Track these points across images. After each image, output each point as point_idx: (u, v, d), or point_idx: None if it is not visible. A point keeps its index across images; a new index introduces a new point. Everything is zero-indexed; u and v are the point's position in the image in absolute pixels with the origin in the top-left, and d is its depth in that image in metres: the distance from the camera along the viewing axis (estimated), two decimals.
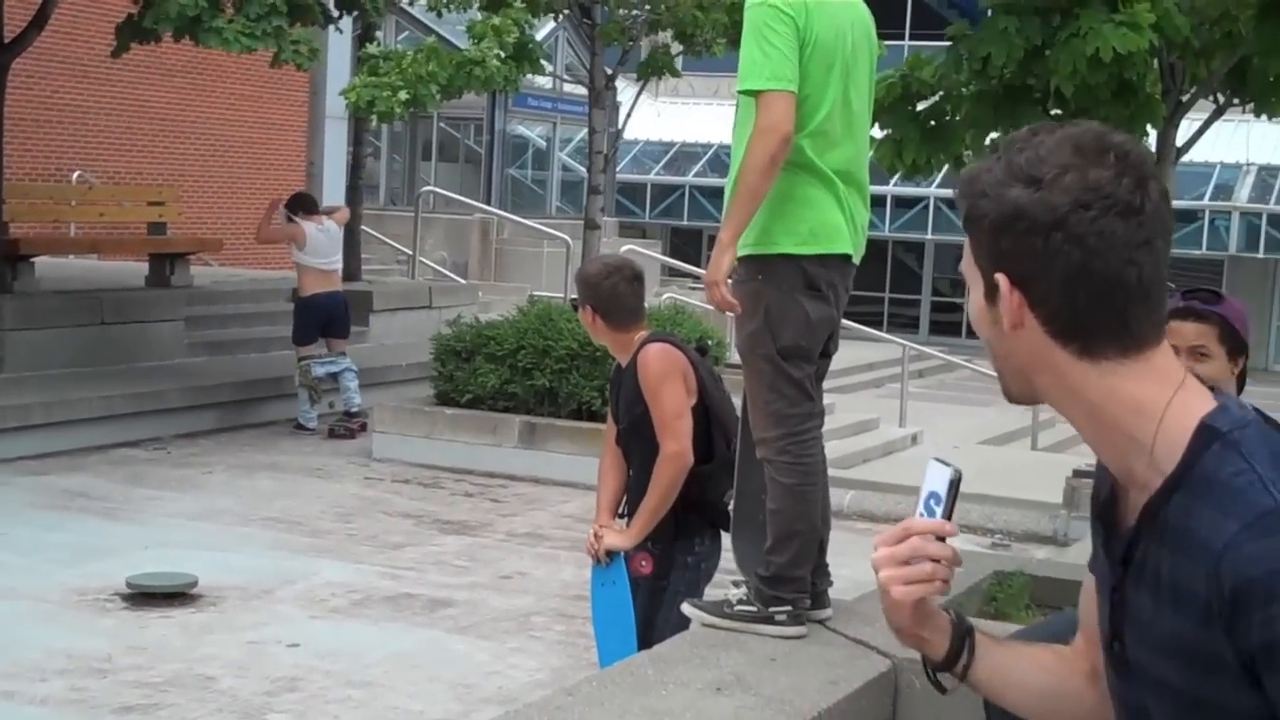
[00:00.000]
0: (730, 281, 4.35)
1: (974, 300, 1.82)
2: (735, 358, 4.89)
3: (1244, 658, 1.62)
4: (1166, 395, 1.73)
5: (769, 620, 4.27)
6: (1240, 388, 3.92)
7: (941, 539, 1.92)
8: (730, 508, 4.77)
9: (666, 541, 4.95)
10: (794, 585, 4.30)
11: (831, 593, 4.69)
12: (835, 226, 4.33)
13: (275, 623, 7.56)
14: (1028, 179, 1.72)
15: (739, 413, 4.72)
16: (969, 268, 1.83)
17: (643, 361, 4.89)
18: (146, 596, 7.77)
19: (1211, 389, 1.78)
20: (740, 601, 4.32)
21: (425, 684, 6.74)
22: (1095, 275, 1.70)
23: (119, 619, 7.52)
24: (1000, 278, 1.75)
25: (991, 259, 1.77)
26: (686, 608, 4.43)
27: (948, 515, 1.90)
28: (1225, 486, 1.65)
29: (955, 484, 1.90)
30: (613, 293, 4.95)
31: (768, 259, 4.25)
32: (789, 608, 4.28)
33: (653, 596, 4.95)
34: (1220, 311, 3.93)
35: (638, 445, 5.01)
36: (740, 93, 4.23)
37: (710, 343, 5.50)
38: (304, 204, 13.41)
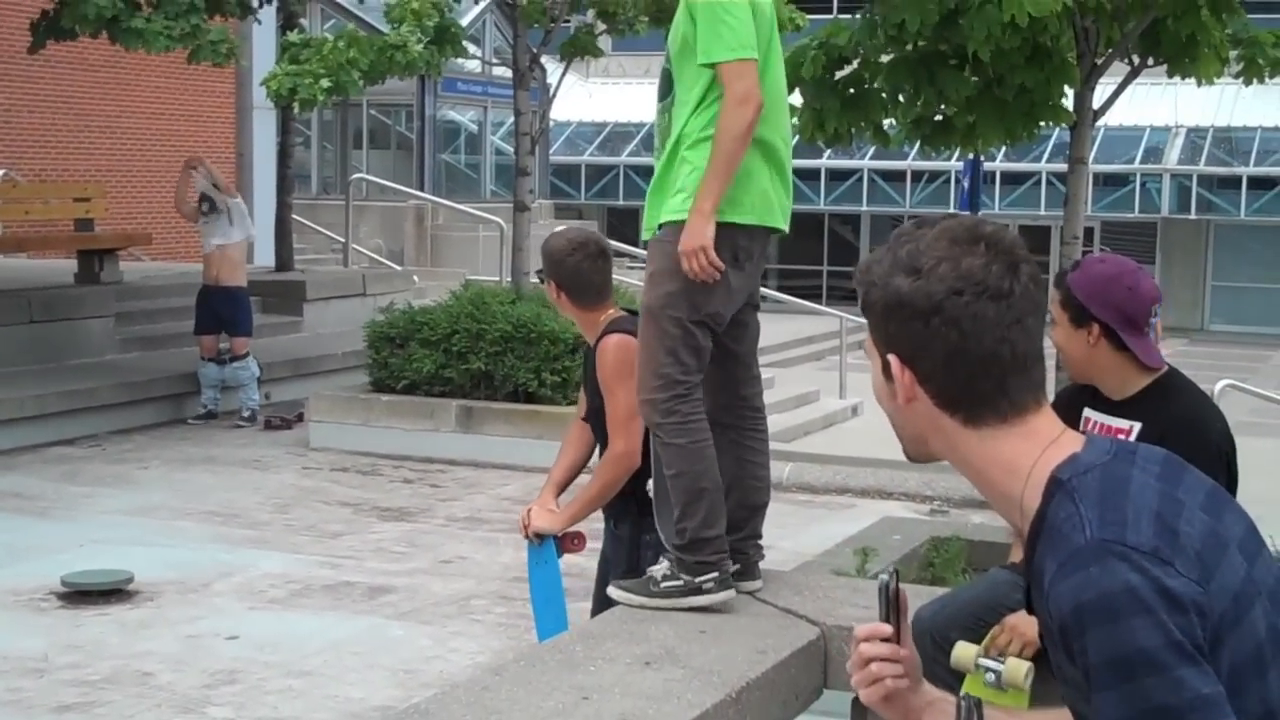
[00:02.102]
0: (656, 236, 4.36)
1: (875, 375, 2.00)
2: None
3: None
4: (1035, 454, 1.89)
5: (698, 591, 4.27)
6: (1141, 357, 3.89)
7: (886, 640, 2.05)
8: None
9: (632, 525, 4.75)
10: (713, 546, 4.28)
11: (771, 563, 4.70)
12: (771, 200, 4.37)
13: (213, 616, 7.52)
14: (909, 269, 1.91)
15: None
16: (869, 347, 2.01)
17: (600, 352, 4.70)
18: (82, 594, 7.71)
19: (1086, 436, 1.93)
20: (665, 577, 4.31)
21: (366, 671, 6.73)
22: (972, 354, 1.88)
23: (55, 618, 7.46)
24: (892, 358, 1.95)
25: (884, 341, 1.97)
26: (612, 590, 4.40)
27: (884, 618, 2.04)
28: (1056, 530, 1.81)
29: (883, 589, 2.05)
30: (576, 270, 4.74)
31: (720, 225, 4.25)
32: (715, 573, 4.27)
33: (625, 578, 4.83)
34: (1070, 277, 3.93)
35: (600, 431, 4.85)
36: (702, 65, 4.23)
37: None
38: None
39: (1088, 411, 3.98)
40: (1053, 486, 1.84)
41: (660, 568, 4.33)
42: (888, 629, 2.04)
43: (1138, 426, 3.84)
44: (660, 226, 4.34)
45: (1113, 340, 3.84)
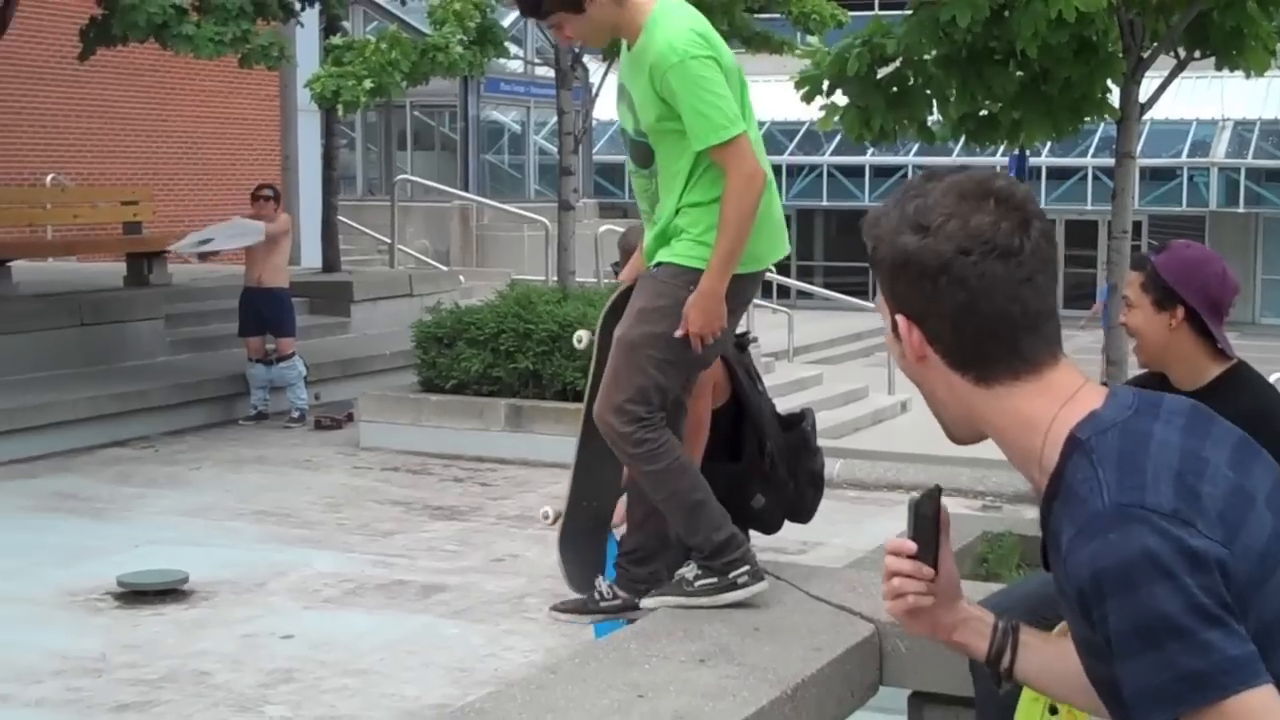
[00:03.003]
0: (652, 273, 4.33)
1: (887, 334, 1.97)
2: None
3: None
4: (1053, 410, 1.85)
5: (733, 586, 4.29)
6: (1215, 341, 3.91)
7: (913, 557, 2.06)
8: (758, 507, 4.81)
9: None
10: (731, 544, 4.30)
11: (823, 560, 4.71)
12: (773, 236, 4.39)
13: (268, 615, 7.58)
14: (916, 226, 1.86)
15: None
16: (880, 304, 1.98)
17: None
18: (138, 594, 7.78)
19: (1108, 389, 1.89)
20: (698, 577, 4.31)
21: (420, 670, 6.77)
22: (981, 313, 1.84)
23: (112, 618, 7.53)
24: (900, 317, 1.91)
25: (892, 300, 1.93)
26: (647, 601, 4.41)
27: (911, 535, 2.05)
28: (1073, 493, 1.77)
29: (912, 506, 2.06)
30: None
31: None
32: (745, 567, 4.29)
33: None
34: (1155, 259, 3.95)
35: None
36: (700, 151, 4.17)
37: (751, 336, 5.39)
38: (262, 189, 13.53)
39: None
40: (1070, 446, 1.80)
41: (689, 569, 4.34)
42: (912, 546, 2.04)
43: None
44: (658, 264, 4.32)
45: (1194, 325, 3.86)
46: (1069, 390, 1.87)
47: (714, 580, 4.29)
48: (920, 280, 1.86)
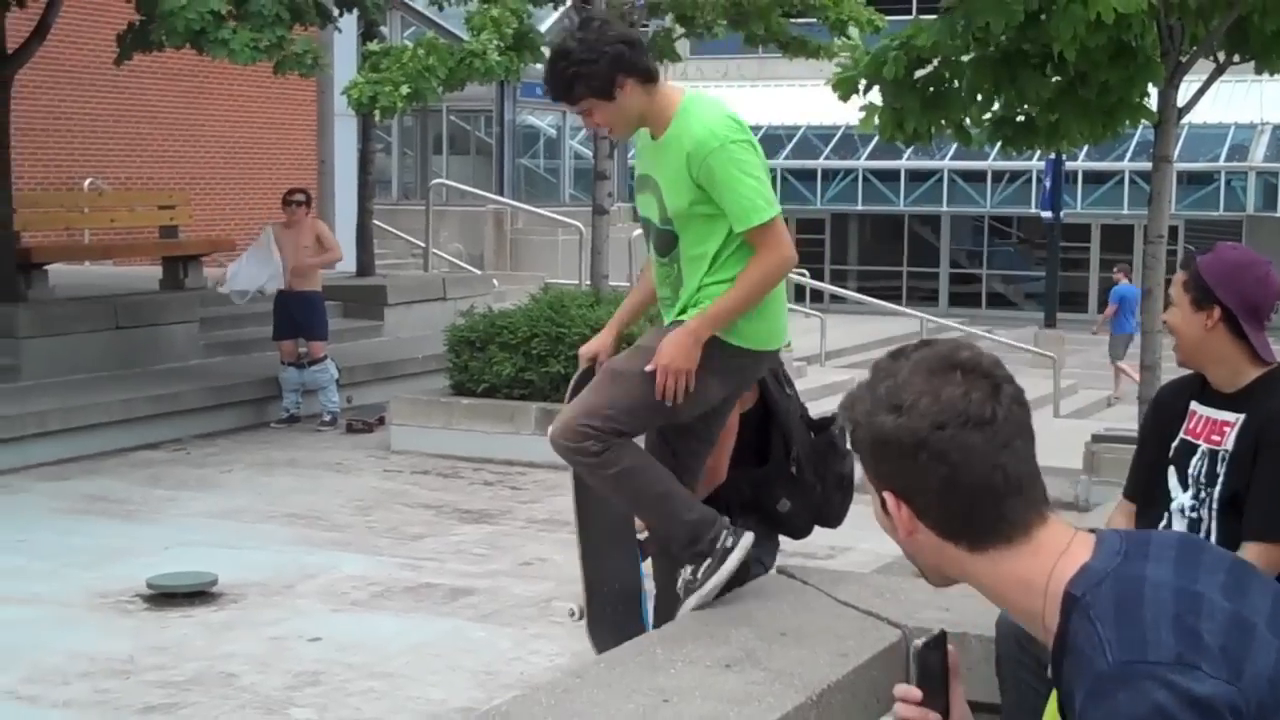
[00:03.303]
0: (666, 326, 4.34)
1: (875, 510, 2.00)
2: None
3: None
4: (1048, 568, 1.88)
5: (727, 551, 4.27)
6: (1257, 348, 3.87)
7: (919, 703, 2.06)
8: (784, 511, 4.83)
9: None
10: (705, 520, 4.31)
11: (851, 565, 4.68)
12: (779, 329, 4.45)
13: (296, 618, 7.58)
14: (890, 407, 1.91)
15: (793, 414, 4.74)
16: (866, 482, 2.01)
17: None
18: (167, 596, 7.80)
19: (1096, 535, 1.91)
20: (695, 569, 4.29)
21: (447, 673, 6.76)
22: (964, 485, 1.87)
23: (140, 620, 7.55)
24: (887, 495, 1.95)
25: (877, 478, 1.96)
26: (666, 626, 4.39)
27: (916, 682, 2.06)
28: (1079, 653, 1.80)
29: (915, 653, 2.08)
30: None
31: (726, 346, 4.27)
32: (725, 532, 4.29)
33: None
34: (1201, 259, 3.93)
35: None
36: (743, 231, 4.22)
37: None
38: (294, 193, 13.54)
39: (1194, 405, 3.98)
40: (1068, 604, 1.83)
41: (685, 571, 4.32)
42: (918, 693, 2.05)
43: (1241, 419, 3.84)
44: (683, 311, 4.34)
45: (1231, 327, 3.84)
46: (1060, 546, 1.89)
47: (709, 561, 4.28)
48: (901, 459, 1.90)
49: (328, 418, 13.20)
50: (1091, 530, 1.95)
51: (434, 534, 9.47)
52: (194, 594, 7.85)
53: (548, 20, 24.98)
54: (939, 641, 2.08)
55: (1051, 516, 1.92)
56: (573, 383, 4.75)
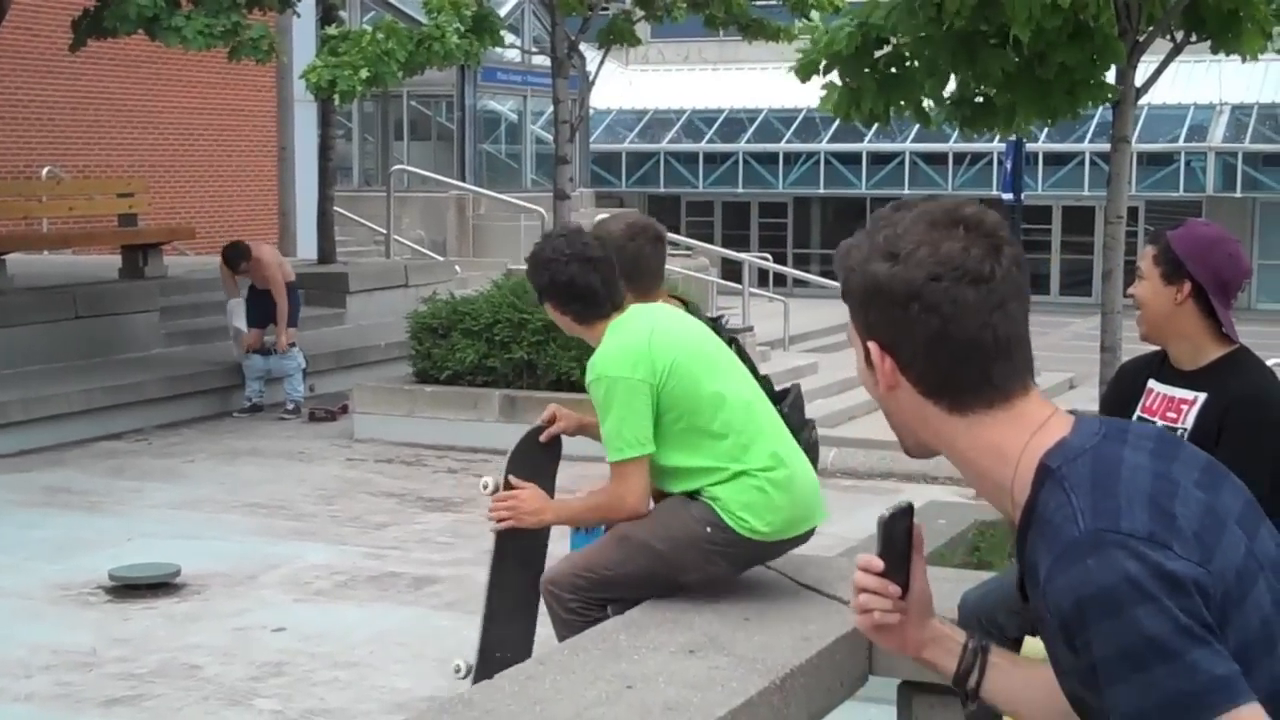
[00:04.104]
0: (682, 500, 4.34)
1: (858, 363, 1.97)
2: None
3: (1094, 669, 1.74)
4: (1023, 440, 1.85)
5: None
6: (1219, 322, 3.87)
7: (880, 574, 2.04)
8: None
9: None
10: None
11: (816, 549, 4.69)
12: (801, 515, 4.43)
13: (260, 608, 7.55)
14: (887, 255, 1.87)
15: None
16: (852, 334, 1.98)
17: None
18: (130, 588, 7.76)
19: (1076, 416, 1.90)
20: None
21: (412, 662, 6.74)
22: (953, 340, 1.84)
23: (103, 612, 7.50)
24: (872, 345, 1.92)
25: (863, 328, 1.94)
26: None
27: (879, 552, 2.03)
28: (1048, 522, 1.77)
29: (881, 523, 2.04)
30: (637, 255, 4.68)
31: (727, 531, 4.27)
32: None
33: None
34: (1171, 234, 3.93)
35: None
36: None
37: (723, 317, 5.44)
38: (234, 255, 13.35)
39: (1152, 383, 3.98)
40: (1042, 475, 1.81)
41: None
42: (879, 563, 2.02)
43: (1203, 398, 3.84)
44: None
45: (1200, 303, 3.84)
46: (1039, 420, 1.87)
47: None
48: (892, 308, 1.87)
49: (291, 406, 13.15)
50: (1072, 412, 1.93)
51: (398, 522, 9.44)
52: (157, 585, 7.80)
53: (507, 4, 24.95)
54: (906, 512, 2.05)
55: (1034, 389, 1.90)
56: (521, 438, 4.80)
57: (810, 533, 4.42)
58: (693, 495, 4.30)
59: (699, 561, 4.24)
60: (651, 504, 4.41)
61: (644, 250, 4.72)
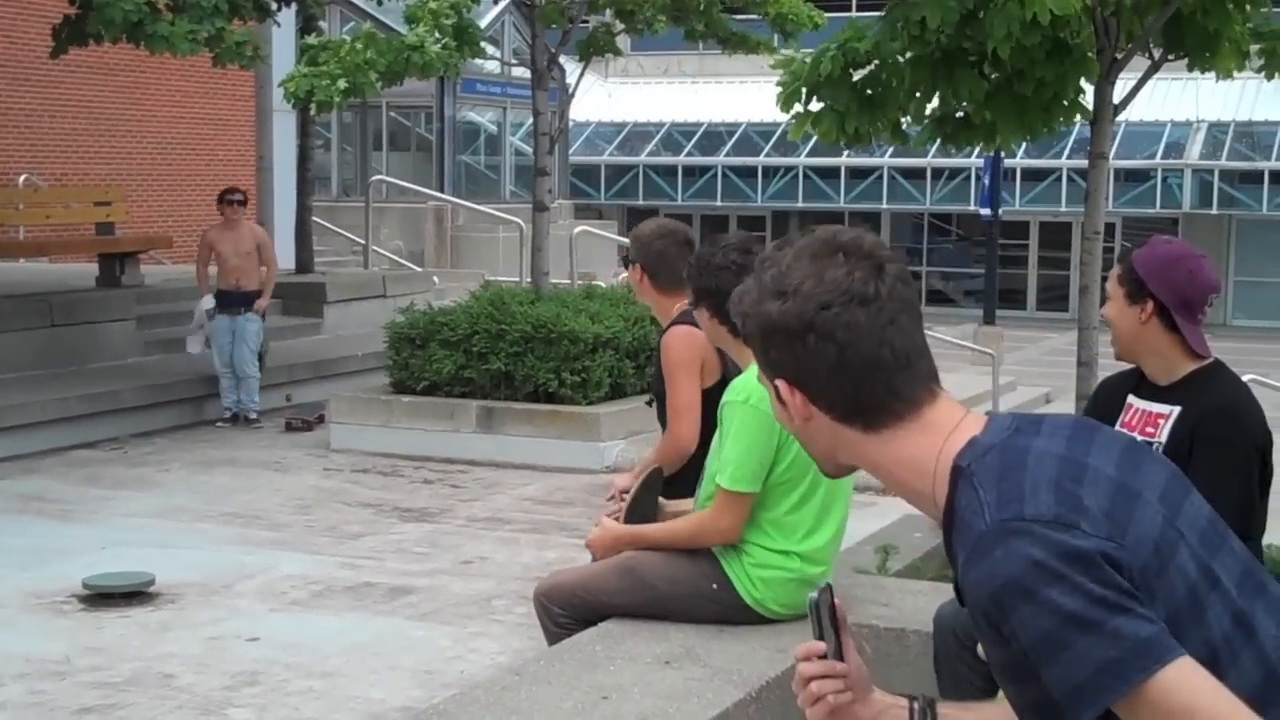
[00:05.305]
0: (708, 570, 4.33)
1: (773, 404, 2.02)
2: None
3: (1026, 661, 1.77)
4: (937, 446, 1.90)
5: None
6: (1190, 341, 3.91)
7: (823, 656, 2.06)
8: None
9: None
10: None
11: None
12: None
13: (234, 618, 7.52)
14: (776, 294, 1.94)
15: None
16: (761, 378, 2.03)
17: (666, 342, 5.01)
18: (104, 597, 7.72)
19: (988, 416, 1.94)
20: None
21: (387, 672, 6.72)
22: (853, 363, 1.90)
23: (76, 620, 7.47)
24: (780, 383, 1.97)
25: (768, 368, 1.99)
26: None
27: (817, 635, 2.05)
28: (962, 520, 1.82)
29: (812, 606, 2.05)
30: (662, 254, 5.01)
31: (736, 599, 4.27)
32: None
33: None
34: (1135, 254, 3.97)
35: (663, 415, 5.12)
36: None
37: None
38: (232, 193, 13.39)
39: (1131, 398, 4.02)
40: (955, 476, 1.85)
41: None
42: (821, 646, 2.04)
43: (1177, 411, 3.87)
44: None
45: (1164, 320, 3.88)
46: (950, 424, 1.92)
47: None
48: (790, 343, 1.92)
49: (254, 415, 13.08)
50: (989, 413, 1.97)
51: (374, 533, 9.42)
52: (131, 594, 7.77)
53: (488, 15, 24.95)
54: (828, 591, 2.06)
55: (941, 394, 1.95)
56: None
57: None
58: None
59: (693, 612, 4.25)
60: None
61: (669, 251, 5.00)
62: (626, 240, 5.63)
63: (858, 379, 1.90)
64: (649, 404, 5.41)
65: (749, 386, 4.19)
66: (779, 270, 1.95)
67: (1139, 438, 3.91)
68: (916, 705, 2.13)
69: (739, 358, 4.44)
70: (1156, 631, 1.70)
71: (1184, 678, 1.70)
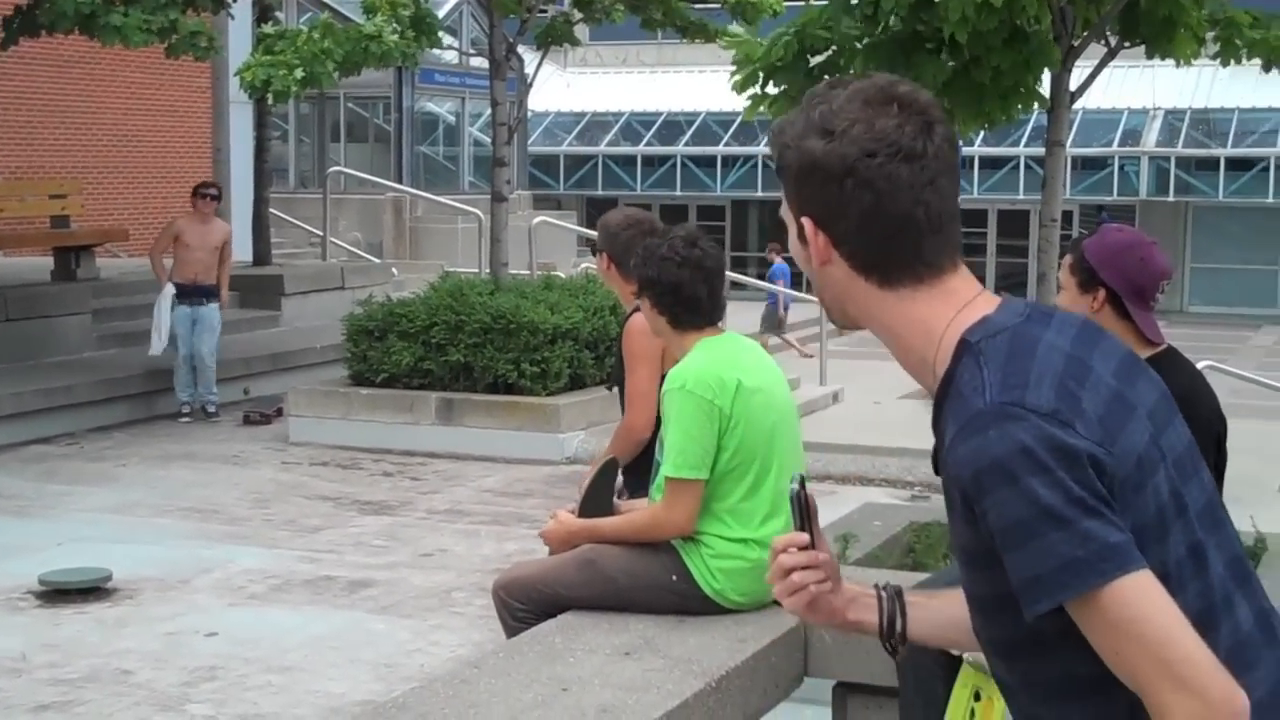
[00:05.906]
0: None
1: (792, 241, 1.98)
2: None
3: (992, 545, 1.77)
4: (949, 315, 1.89)
5: None
6: (1142, 328, 3.91)
7: (804, 548, 2.07)
8: None
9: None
10: None
11: None
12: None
13: (192, 613, 7.47)
14: (822, 131, 1.88)
15: None
16: (785, 212, 1.98)
17: (629, 328, 5.05)
18: (60, 593, 7.66)
19: (1002, 297, 1.93)
20: None
21: (346, 666, 6.69)
22: (886, 215, 1.87)
23: (33, 617, 7.41)
24: (806, 221, 1.93)
25: (798, 204, 1.95)
26: None
27: (799, 526, 2.05)
28: (960, 394, 1.81)
29: (794, 498, 2.05)
30: (628, 244, 5.02)
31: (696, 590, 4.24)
32: None
33: None
34: (1086, 242, 3.99)
35: (624, 402, 5.15)
36: None
37: None
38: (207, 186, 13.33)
39: None
40: (961, 349, 1.85)
41: None
42: (804, 538, 2.05)
43: None
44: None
45: (1116, 308, 3.88)
46: (966, 297, 1.91)
47: None
48: (826, 184, 1.88)
49: (212, 409, 12.99)
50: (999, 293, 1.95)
51: (333, 526, 9.38)
52: (88, 590, 7.71)
53: (445, 5, 24.86)
54: (803, 481, 2.07)
55: (962, 266, 1.94)
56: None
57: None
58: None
59: (654, 604, 4.22)
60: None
61: (635, 241, 4.95)
62: (586, 231, 5.66)
63: (886, 233, 1.88)
64: (609, 389, 5.43)
65: (686, 373, 4.21)
66: (829, 108, 1.89)
67: None
68: (885, 592, 2.18)
69: (677, 349, 4.44)
70: (1124, 541, 1.71)
71: (1142, 591, 1.71)
